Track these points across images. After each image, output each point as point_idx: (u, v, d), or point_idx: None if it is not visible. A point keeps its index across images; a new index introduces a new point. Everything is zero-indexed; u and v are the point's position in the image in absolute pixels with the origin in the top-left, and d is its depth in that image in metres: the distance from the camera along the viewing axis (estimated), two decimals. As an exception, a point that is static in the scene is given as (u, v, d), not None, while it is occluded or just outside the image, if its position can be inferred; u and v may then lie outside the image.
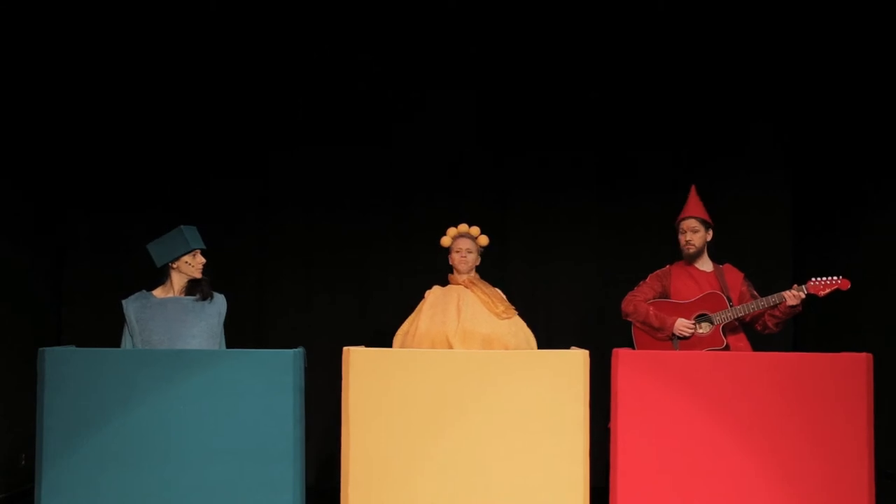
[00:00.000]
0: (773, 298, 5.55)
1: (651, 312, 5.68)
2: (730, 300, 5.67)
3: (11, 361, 6.42)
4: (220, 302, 5.40)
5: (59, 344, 6.58)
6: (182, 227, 5.34)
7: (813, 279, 5.51)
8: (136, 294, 5.35)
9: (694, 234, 5.78)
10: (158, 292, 5.37)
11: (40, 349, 4.75)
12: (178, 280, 5.36)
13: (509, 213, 7.38)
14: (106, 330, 6.85)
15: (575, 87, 7.32)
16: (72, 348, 4.84)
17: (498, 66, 7.33)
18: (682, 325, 5.63)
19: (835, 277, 5.47)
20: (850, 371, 4.78)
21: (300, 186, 7.35)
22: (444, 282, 5.64)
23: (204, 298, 5.34)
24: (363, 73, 7.33)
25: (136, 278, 7.08)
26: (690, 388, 4.79)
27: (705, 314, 5.67)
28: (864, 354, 4.81)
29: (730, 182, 7.27)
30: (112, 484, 4.64)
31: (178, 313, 5.28)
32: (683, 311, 5.68)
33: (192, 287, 5.37)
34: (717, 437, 4.76)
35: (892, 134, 6.34)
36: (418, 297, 5.47)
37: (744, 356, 5.11)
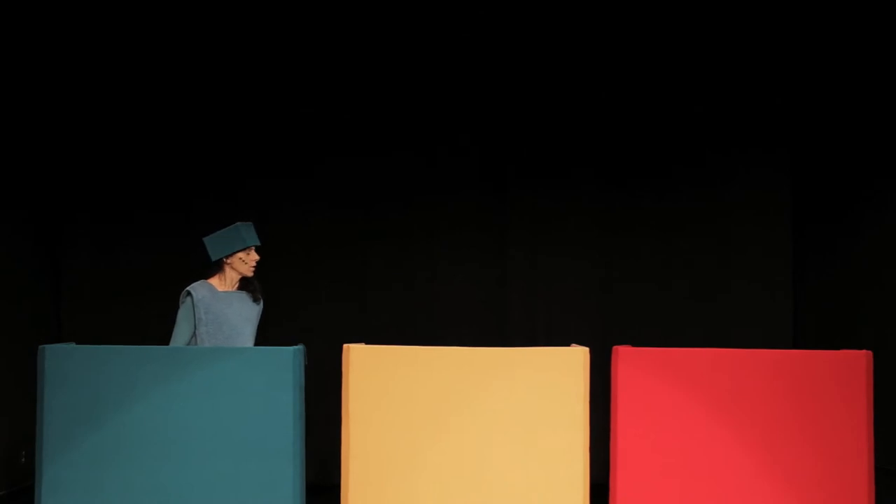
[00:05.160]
0: None
1: None
2: None
3: (11, 360, 6.42)
4: (261, 302, 5.40)
5: (58, 343, 6.58)
6: (239, 223, 5.26)
7: None
8: (200, 282, 5.24)
9: None
10: (217, 284, 5.28)
11: (40, 346, 4.73)
12: (231, 275, 5.30)
13: (509, 213, 7.38)
14: (106, 329, 6.88)
15: (575, 87, 7.33)
16: (72, 345, 4.83)
17: (498, 66, 7.34)
18: None
19: None
20: (850, 368, 4.77)
21: (300, 186, 7.36)
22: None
23: (257, 300, 5.31)
24: (364, 76, 7.34)
25: (135, 278, 7.14)
26: (690, 385, 4.79)
27: None
28: (863, 352, 4.80)
29: (730, 182, 7.28)
30: (112, 481, 4.62)
31: (241, 308, 5.26)
32: None
33: (246, 285, 5.31)
34: (717, 433, 4.76)
35: (893, 134, 6.35)
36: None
37: (743, 353, 5.10)
